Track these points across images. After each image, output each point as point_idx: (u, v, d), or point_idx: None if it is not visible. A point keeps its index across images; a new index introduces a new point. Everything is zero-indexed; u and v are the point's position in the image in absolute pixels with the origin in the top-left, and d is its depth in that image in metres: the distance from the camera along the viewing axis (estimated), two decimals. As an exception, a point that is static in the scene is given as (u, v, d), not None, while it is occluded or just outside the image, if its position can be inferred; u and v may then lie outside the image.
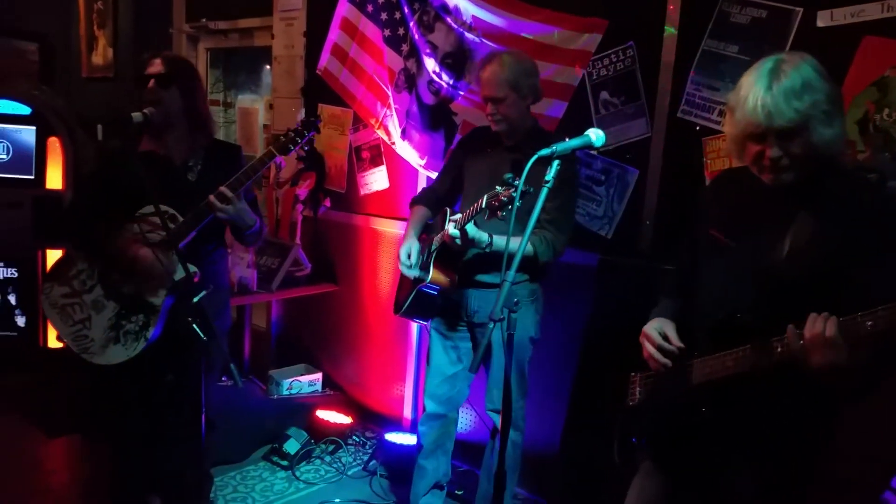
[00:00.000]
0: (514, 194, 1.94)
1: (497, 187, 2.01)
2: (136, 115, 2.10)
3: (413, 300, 2.53)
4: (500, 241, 2.30)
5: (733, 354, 1.53)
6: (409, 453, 2.95)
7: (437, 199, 2.69)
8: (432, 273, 2.44)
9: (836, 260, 1.44)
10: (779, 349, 1.45)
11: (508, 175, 1.93)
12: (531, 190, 1.76)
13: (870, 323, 1.30)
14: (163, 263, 2.12)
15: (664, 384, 1.71)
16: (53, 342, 4.02)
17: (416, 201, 2.74)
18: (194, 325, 1.88)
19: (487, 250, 2.30)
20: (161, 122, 2.18)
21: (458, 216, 2.31)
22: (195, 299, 1.90)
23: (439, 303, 2.54)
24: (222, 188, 2.14)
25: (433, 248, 2.49)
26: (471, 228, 2.23)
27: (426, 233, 2.64)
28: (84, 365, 2.24)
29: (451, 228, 2.26)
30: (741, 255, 1.59)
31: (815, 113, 1.40)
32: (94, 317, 2.24)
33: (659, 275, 1.99)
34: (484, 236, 2.27)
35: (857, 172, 1.86)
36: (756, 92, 1.42)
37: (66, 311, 2.27)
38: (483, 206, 2.08)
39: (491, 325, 1.51)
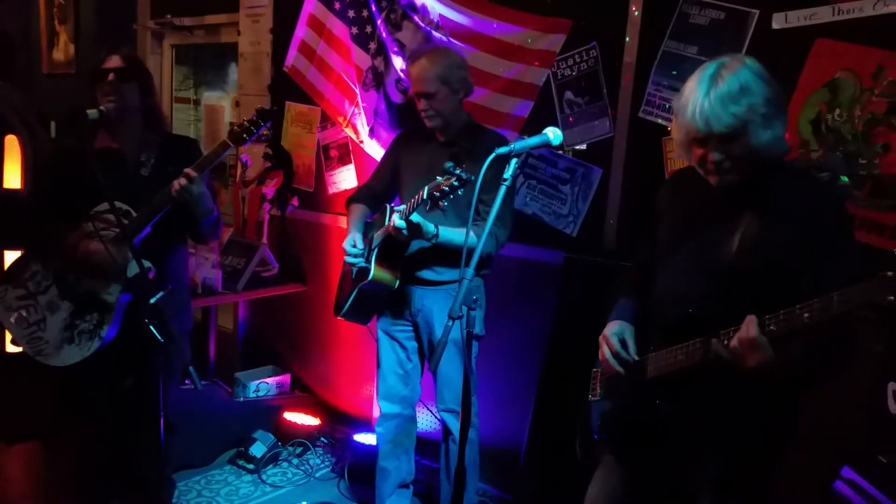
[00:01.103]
0: (455, 183, 1.94)
1: (438, 177, 2.00)
2: (92, 112, 2.07)
3: (355, 299, 2.49)
4: (445, 231, 2.28)
5: (684, 348, 1.56)
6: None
7: (374, 197, 2.67)
8: (374, 270, 2.40)
9: (783, 256, 1.47)
10: (725, 342, 1.48)
11: (449, 164, 1.93)
12: (472, 178, 1.78)
13: (807, 315, 1.33)
14: (115, 257, 2.08)
15: (622, 379, 1.74)
16: (11, 347, 3.91)
17: (352, 199, 2.71)
18: (151, 328, 1.85)
19: (433, 241, 2.28)
20: (117, 117, 2.16)
21: (403, 207, 2.28)
22: (152, 300, 1.87)
23: (382, 301, 2.52)
24: (187, 169, 2.10)
25: (374, 244, 2.46)
26: (417, 217, 2.20)
27: (365, 231, 2.59)
28: (44, 370, 2.20)
29: (396, 219, 2.22)
30: (693, 252, 1.62)
31: (753, 117, 1.43)
32: (49, 318, 2.21)
33: (620, 272, 2.02)
34: (430, 226, 2.25)
35: (804, 171, 1.91)
36: (695, 98, 1.45)
37: (20, 313, 2.23)
38: (424, 196, 2.06)
39: (450, 323, 1.51)
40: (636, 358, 1.68)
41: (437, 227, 2.26)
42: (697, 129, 1.46)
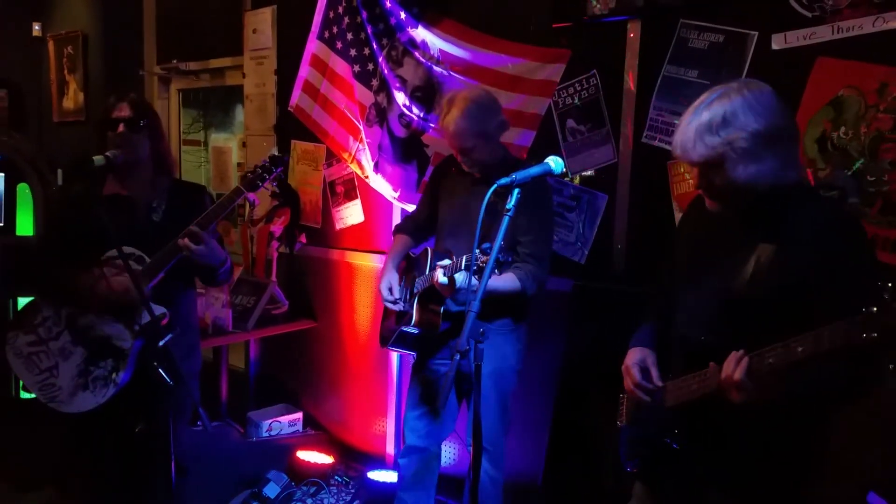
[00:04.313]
0: (491, 262, 1.89)
1: (476, 251, 1.92)
2: (98, 159, 2.08)
3: (398, 338, 2.51)
4: (491, 283, 2.24)
5: (697, 377, 1.54)
6: (393, 491, 2.89)
7: (418, 228, 2.69)
8: (416, 315, 2.41)
9: (798, 280, 1.44)
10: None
11: (486, 245, 1.83)
12: (510, 260, 1.75)
13: (770, 360, 1.32)
14: (139, 289, 2.05)
15: (645, 407, 1.72)
16: (25, 393, 3.91)
17: (398, 229, 2.74)
18: (160, 370, 1.85)
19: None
20: (127, 165, 2.17)
21: (447, 262, 2.24)
22: (161, 343, 1.87)
23: (424, 341, 2.52)
24: (193, 227, 2.12)
25: (416, 289, 2.45)
26: (460, 277, 2.17)
27: (406, 266, 2.61)
28: (57, 416, 2.18)
29: (440, 276, 2.20)
30: (709, 280, 1.61)
31: (730, 150, 1.41)
32: (62, 364, 2.19)
33: (641, 299, 2.00)
34: (473, 282, 2.22)
35: (818, 194, 1.87)
36: (683, 125, 1.47)
37: (31, 359, 2.22)
38: (463, 266, 2.09)
39: (457, 357, 1.49)
40: (660, 385, 1.66)
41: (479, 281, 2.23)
42: (677, 155, 1.49)
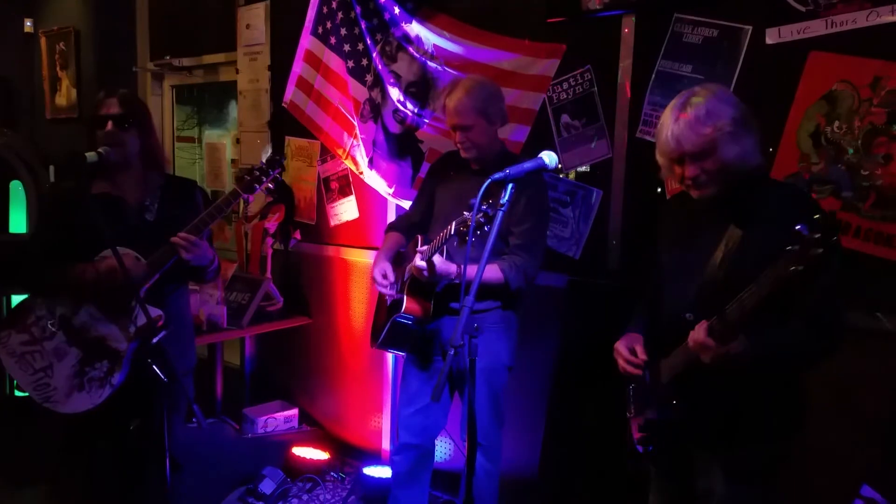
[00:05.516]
0: (481, 220, 1.90)
1: (465, 213, 1.99)
2: (91, 155, 2.06)
3: (388, 331, 2.48)
4: (470, 270, 2.26)
5: (681, 350, 1.66)
6: (389, 486, 2.89)
7: (412, 226, 2.67)
8: (406, 303, 2.39)
9: (762, 262, 1.50)
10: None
11: (472, 200, 1.87)
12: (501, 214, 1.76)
13: (746, 297, 1.45)
14: (131, 273, 2.04)
15: (647, 391, 1.82)
16: (19, 391, 3.91)
17: (391, 227, 2.73)
18: (154, 367, 1.84)
19: (457, 281, 2.25)
20: (117, 162, 2.15)
21: (426, 247, 2.27)
22: (154, 340, 1.87)
23: (416, 333, 2.50)
24: (186, 234, 2.11)
25: (406, 277, 2.46)
26: (437, 260, 2.19)
27: (398, 260, 2.61)
28: (51, 413, 2.17)
29: (417, 260, 2.21)
30: (687, 265, 1.74)
31: (719, 135, 1.59)
32: (56, 364, 2.18)
33: (632, 292, 2.09)
34: (451, 268, 2.23)
35: (785, 184, 2.01)
36: (667, 125, 1.65)
37: (25, 359, 2.20)
38: (452, 232, 2.06)
39: (451, 352, 1.49)
40: (646, 358, 1.80)
41: (460, 266, 2.23)
42: (671, 150, 1.63)
